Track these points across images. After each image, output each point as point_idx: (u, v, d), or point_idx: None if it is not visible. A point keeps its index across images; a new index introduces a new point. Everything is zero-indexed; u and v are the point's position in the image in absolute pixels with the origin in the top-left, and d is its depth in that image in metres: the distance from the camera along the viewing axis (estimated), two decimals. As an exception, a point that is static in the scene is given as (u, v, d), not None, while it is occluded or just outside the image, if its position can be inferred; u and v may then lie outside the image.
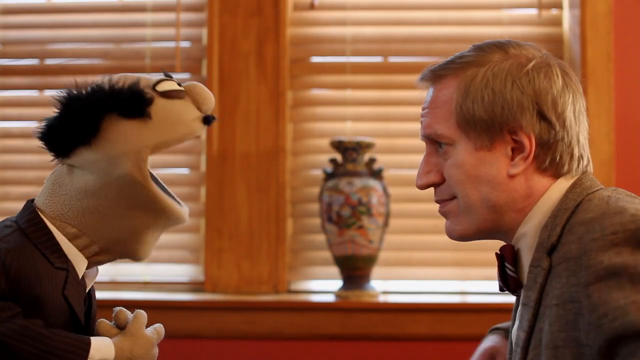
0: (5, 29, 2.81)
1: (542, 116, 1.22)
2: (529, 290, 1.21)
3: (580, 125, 1.27)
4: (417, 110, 2.77)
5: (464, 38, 2.71)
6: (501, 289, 1.30)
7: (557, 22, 2.70)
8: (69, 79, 2.81)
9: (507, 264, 1.26)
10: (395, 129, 2.71)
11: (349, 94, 2.73)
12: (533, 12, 2.70)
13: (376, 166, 2.54)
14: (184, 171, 2.74)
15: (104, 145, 1.30)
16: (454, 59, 1.28)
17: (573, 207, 1.20)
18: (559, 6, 2.70)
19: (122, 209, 1.32)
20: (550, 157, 1.23)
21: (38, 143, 1.35)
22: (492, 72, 1.24)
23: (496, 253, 1.28)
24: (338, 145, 2.52)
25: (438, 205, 1.31)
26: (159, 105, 1.33)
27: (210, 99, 1.39)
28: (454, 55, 1.29)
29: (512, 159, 1.23)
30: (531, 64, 1.24)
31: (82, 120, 1.30)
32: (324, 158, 2.63)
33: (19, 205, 2.98)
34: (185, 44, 2.76)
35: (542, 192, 1.24)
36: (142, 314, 1.38)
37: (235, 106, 2.66)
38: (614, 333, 1.05)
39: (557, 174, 1.25)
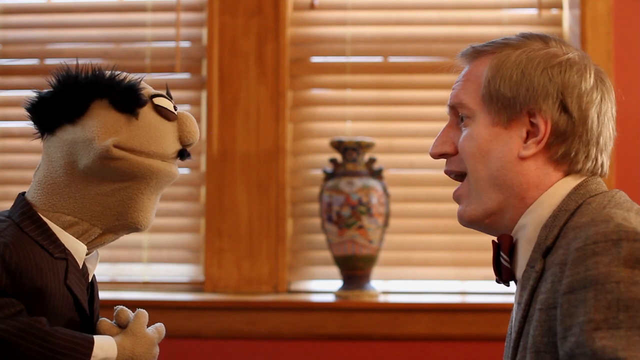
0: (5, 29, 2.81)
1: (564, 107, 1.23)
2: (523, 290, 1.22)
3: (604, 128, 1.27)
4: (417, 110, 2.79)
5: (463, 38, 2.71)
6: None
7: (557, 22, 2.70)
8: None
9: (502, 254, 1.27)
10: (395, 129, 2.71)
11: (349, 94, 2.73)
12: (533, 12, 2.70)
13: (376, 166, 2.54)
14: (184, 171, 2.74)
15: (84, 126, 1.30)
16: (496, 39, 1.31)
17: (573, 209, 1.20)
18: (559, 6, 2.70)
19: (110, 183, 1.32)
20: (563, 149, 1.23)
21: (25, 115, 1.35)
22: (527, 55, 1.26)
23: (493, 241, 1.29)
24: (338, 145, 2.52)
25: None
26: (149, 114, 1.33)
27: (194, 137, 1.38)
28: (499, 38, 1.32)
29: (525, 141, 1.24)
30: (566, 57, 1.26)
31: (74, 98, 1.30)
32: (324, 158, 2.63)
33: (19, 205, 2.96)
34: (185, 44, 2.76)
35: (549, 186, 1.24)
36: (144, 313, 1.38)
37: (235, 106, 2.66)
38: (570, 348, 1.06)
39: (570, 171, 1.25)
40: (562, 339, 1.08)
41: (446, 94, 2.93)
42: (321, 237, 2.59)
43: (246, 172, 2.65)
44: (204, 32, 2.73)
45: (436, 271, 2.66)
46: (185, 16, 2.75)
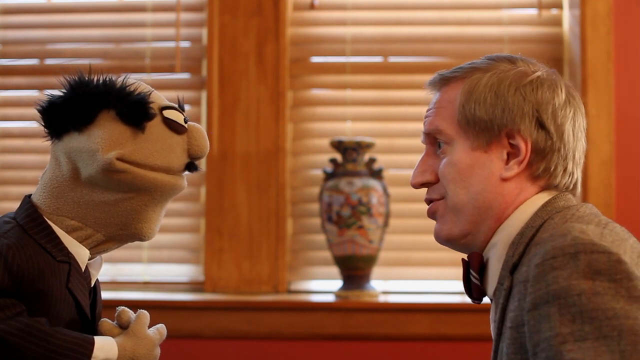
0: (5, 29, 2.81)
1: (541, 124, 1.24)
2: (496, 307, 1.22)
3: (578, 142, 1.28)
4: (417, 110, 2.79)
5: (464, 38, 2.71)
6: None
7: (557, 22, 2.70)
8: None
9: (472, 272, 1.27)
10: (395, 129, 2.71)
11: (349, 94, 2.73)
12: (533, 12, 2.70)
13: (376, 166, 2.55)
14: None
15: (90, 135, 1.30)
16: (463, 65, 1.31)
17: (538, 226, 1.21)
18: (559, 6, 2.70)
19: (114, 193, 1.32)
20: (544, 165, 1.24)
21: (36, 118, 1.35)
22: (498, 77, 1.26)
23: (463, 259, 1.29)
24: (338, 145, 2.52)
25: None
26: (156, 127, 1.33)
27: (204, 151, 1.37)
28: (466, 63, 1.32)
29: (507, 163, 1.25)
30: (536, 75, 1.27)
31: (82, 107, 1.30)
32: (324, 158, 2.63)
33: (19, 205, 2.95)
34: (185, 44, 2.76)
35: (523, 202, 1.25)
36: (145, 314, 1.38)
37: (235, 106, 2.66)
38: None
39: (547, 186, 1.25)
40: (533, 356, 1.09)
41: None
42: (321, 237, 2.59)
43: (246, 172, 2.65)
44: (204, 32, 2.73)
45: (436, 271, 2.66)
46: (185, 16, 2.75)
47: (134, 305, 2.56)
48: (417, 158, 1.28)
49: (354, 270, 2.50)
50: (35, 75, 2.80)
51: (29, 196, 1.37)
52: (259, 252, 2.63)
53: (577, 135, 1.27)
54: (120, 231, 1.35)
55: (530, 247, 1.17)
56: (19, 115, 2.82)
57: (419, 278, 2.66)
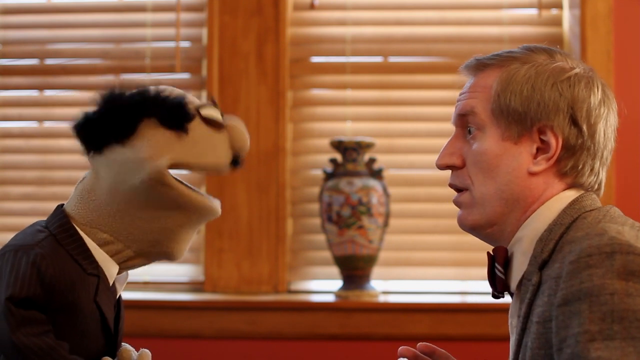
0: (5, 29, 2.81)
1: (574, 122, 1.24)
2: (521, 303, 1.22)
3: (608, 142, 1.29)
4: (417, 110, 2.78)
5: (464, 38, 2.71)
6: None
7: (557, 22, 2.70)
8: (69, 79, 2.82)
9: (497, 265, 1.27)
10: (395, 129, 2.71)
11: (349, 94, 2.73)
12: (533, 12, 2.70)
13: (376, 166, 2.54)
14: (185, 171, 2.73)
15: (135, 146, 1.30)
16: (501, 52, 1.31)
17: (568, 224, 1.21)
18: (559, 6, 2.70)
19: (152, 210, 1.32)
20: (572, 163, 1.25)
21: (72, 135, 1.34)
22: (536, 70, 1.26)
23: (488, 252, 1.29)
24: (338, 145, 2.52)
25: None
26: (198, 127, 1.33)
27: (246, 144, 1.38)
28: (502, 50, 1.31)
29: (535, 157, 1.25)
30: (574, 71, 1.27)
31: (121, 118, 1.30)
32: (324, 158, 2.63)
33: (19, 205, 2.97)
34: (185, 44, 2.76)
35: (549, 198, 1.25)
36: (147, 354, 1.39)
37: (235, 106, 2.66)
38: None
39: (573, 183, 1.26)
40: (558, 351, 1.09)
41: (446, 94, 2.92)
42: (321, 237, 2.59)
43: (246, 172, 2.64)
44: (204, 32, 2.73)
45: (436, 271, 2.66)
46: (185, 16, 2.75)
47: (135, 305, 2.56)
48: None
49: (354, 270, 2.50)
50: (35, 75, 2.80)
51: (62, 205, 1.37)
52: (259, 252, 2.63)
53: (608, 134, 1.28)
54: (151, 248, 1.35)
55: (563, 245, 1.18)
56: (19, 115, 2.81)
57: (419, 278, 2.66)
